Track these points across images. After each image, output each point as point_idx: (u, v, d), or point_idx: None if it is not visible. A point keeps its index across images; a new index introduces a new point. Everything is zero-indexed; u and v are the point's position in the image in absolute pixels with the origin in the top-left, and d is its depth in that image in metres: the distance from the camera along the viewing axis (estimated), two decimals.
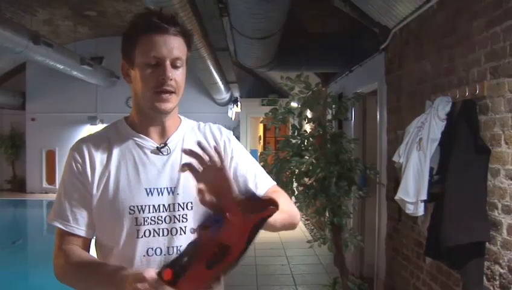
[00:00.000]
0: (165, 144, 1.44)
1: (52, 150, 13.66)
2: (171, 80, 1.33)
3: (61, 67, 10.17)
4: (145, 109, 1.41)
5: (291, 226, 1.46)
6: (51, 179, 13.69)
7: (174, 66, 1.35)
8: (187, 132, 1.51)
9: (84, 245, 1.40)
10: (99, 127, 12.87)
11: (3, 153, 13.90)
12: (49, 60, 9.41)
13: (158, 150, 1.43)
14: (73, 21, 11.22)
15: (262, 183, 1.50)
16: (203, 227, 1.11)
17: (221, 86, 10.53)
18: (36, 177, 13.68)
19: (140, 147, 1.43)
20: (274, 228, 1.39)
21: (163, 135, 1.46)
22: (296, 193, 4.43)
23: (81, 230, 1.39)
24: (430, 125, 2.95)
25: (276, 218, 1.18)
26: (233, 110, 13.10)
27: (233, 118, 13.02)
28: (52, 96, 13.25)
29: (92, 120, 13.28)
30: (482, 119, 2.70)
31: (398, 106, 4.22)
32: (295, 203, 4.52)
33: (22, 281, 6.13)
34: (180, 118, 1.54)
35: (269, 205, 1.11)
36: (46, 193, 13.47)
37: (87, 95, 13.24)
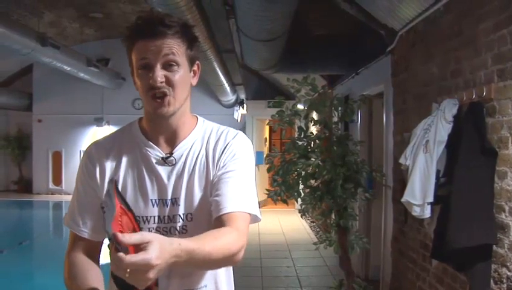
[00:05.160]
0: (171, 154, 1.42)
1: (58, 151, 13.73)
2: (162, 82, 1.30)
3: (68, 68, 10.22)
4: (150, 115, 1.42)
5: (219, 265, 1.32)
6: (57, 180, 13.76)
7: (167, 68, 1.32)
8: (198, 139, 1.46)
9: (93, 248, 1.41)
10: (106, 128, 12.99)
11: (10, 154, 13.97)
12: (55, 61, 9.46)
13: (164, 161, 1.41)
14: (80, 23, 11.28)
15: (226, 203, 1.32)
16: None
17: (227, 88, 10.55)
18: (42, 178, 13.74)
19: (148, 156, 1.41)
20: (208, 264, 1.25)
21: (173, 141, 1.44)
22: (302, 194, 4.43)
23: (88, 233, 1.40)
24: (437, 128, 2.95)
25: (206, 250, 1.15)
26: (239, 112, 13.11)
27: (239, 120, 13.03)
28: (59, 97, 13.32)
29: (98, 121, 13.33)
30: (489, 121, 2.70)
31: (404, 109, 4.22)
32: (301, 205, 4.53)
33: (29, 281, 6.16)
34: (197, 121, 1.51)
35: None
36: (52, 193, 13.55)
37: (93, 96, 13.30)
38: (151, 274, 1.00)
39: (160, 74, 1.30)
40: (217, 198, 1.34)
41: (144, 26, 1.31)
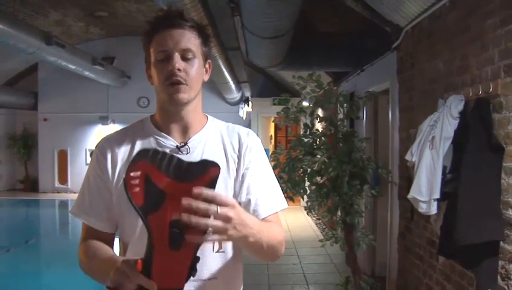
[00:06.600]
0: (185, 143, 1.43)
1: (64, 150, 13.77)
2: (179, 70, 1.35)
3: (73, 67, 10.26)
4: (165, 105, 1.43)
5: (272, 253, 1.38)
6: (62, 179, 13.80)
7: (185, 58, 1.37)
8: (211, 133, 1.49)
9: (106, 239, 1.43)
10: (111, 127, 13.02)
11: (16, 153, 14.03)
12: (61, 60, 9.49)
13: (178, 149, 1.42)
14: (85, 22, 11.31)
15: (262, 208, 1.43)
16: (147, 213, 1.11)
17: (233, 86, 10.54)
18: (48, 177, 13.79)
19: (161, 146, 1.42)
20: (257, 253, 1.34)
21: (186, 133, 1.46)
22: (308, 192, 4.43)
23: (101, 224, 1.43)
24: (443, 124, 2.94)
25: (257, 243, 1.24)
26: (244, 110, 13.11)
27: (244, 118, 13.02)
28: (64, 96, 13.36)
29: (104, 120, 13.37)
30: (495, 117, 2.68)
31: (410, 105, 4.21)
32: (307, 202, 4.53)
33: (35, 279, 6.18)
34: (207, 117, 1.54)
35: (211, 166, 1.15)
36: (58, 192, 13.59)
37: (98, 95, 13.33)
38: (234, 217, 1.10)
39: (179, 61, 1.35)
40: (247, 203, 1.42)
41: (164, 18, 1.39)
